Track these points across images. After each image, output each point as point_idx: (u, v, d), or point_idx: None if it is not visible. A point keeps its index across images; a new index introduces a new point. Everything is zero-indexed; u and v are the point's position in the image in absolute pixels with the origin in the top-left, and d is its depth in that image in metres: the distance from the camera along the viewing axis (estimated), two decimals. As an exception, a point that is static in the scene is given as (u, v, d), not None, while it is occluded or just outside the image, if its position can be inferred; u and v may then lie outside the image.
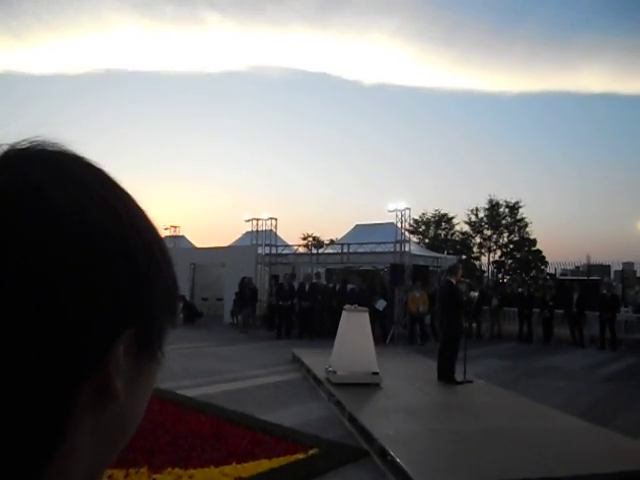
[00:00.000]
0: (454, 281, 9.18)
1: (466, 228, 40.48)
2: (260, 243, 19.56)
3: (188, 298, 20.05)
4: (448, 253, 29.34)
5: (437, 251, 26.90)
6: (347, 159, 66.51)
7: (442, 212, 40.92)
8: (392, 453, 5.09)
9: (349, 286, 16.20)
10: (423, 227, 41.19)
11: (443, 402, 7.85)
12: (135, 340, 0.42)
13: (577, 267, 31.64)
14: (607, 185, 57.33)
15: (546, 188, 57.76)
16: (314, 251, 21.82)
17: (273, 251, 19.70)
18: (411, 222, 24.89)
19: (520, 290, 18.71)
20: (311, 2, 55.31)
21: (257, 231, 19.82)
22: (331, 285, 17.04)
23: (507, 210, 39.10)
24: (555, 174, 58.79)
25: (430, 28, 59.46)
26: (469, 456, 5.27)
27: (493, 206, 39.25)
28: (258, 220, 19.88)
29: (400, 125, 66.30)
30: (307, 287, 16.35)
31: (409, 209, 17.07)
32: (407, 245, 17.13)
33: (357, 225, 20.78)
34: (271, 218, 19.87)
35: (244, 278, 17.70)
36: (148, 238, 0.44)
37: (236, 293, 18.26)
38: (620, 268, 27.67)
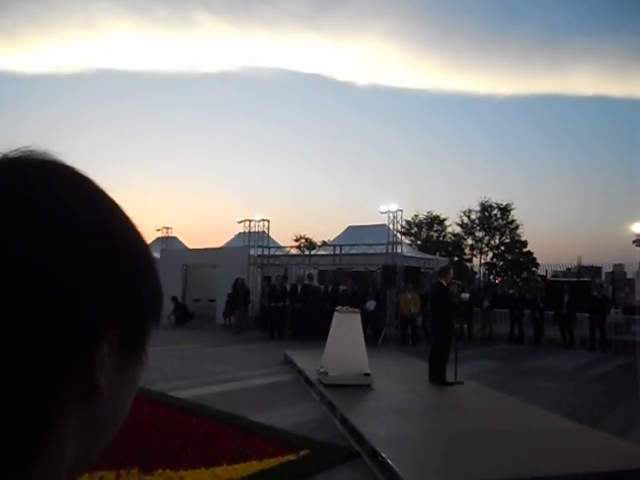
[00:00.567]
0: (445, 283, 9.22)
1: (458, 230, 40.67)
2: (252, 244, 19.55)
3: (180, 299, 20.02)
4: (440, 255, 29.42)
5: (429, 253, 26.98)
6: (340, 160, 66.54)
7: (434, 214, 41.07)
8: (383, 454, 5.11)
9: (341, 287, 16.23)
10: (415, 229, 41.30)
11: (434, 403, 7.89)
12: (119, 340, 0.43)
13: (568, 269, 31.81)
14: (599, 187, 57.64)
15: (538, 190, 58.05)
16: (306, 252, 21.82)
17: (265, 252, 19.69)
18: (403, 224, 25.00)
19: (511, 291, 18.79)
20: (304, 4, 55.27)
21: (249, 232, 19.81)
22: (323, 286, 17.06)
23: (499, 212, 39.30)
24: (546, 176, 59.09)
25: (422, 30, 59.66)
26: (460, 457, 5.30)
27: (485, 208, 39.44)
28: (250, 221, 19.88)
29: (392, 126, 66.44)
30: (299, 288, 16.36)
31: (401, 211, 17.15)
32: (399, 247, 17.18)
33: (349, 227, 20.83)
34: (263, 220, 19.88)
35: (238, 279, 17.68)
36: (132, 242, 0.45)
37: (229, 294, 18.24)
38: (611, 270, 27.81)
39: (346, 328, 8.71)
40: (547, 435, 6.08)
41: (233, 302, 17.70)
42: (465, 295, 12.28)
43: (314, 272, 19.64)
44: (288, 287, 16.69)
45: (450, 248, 38.85)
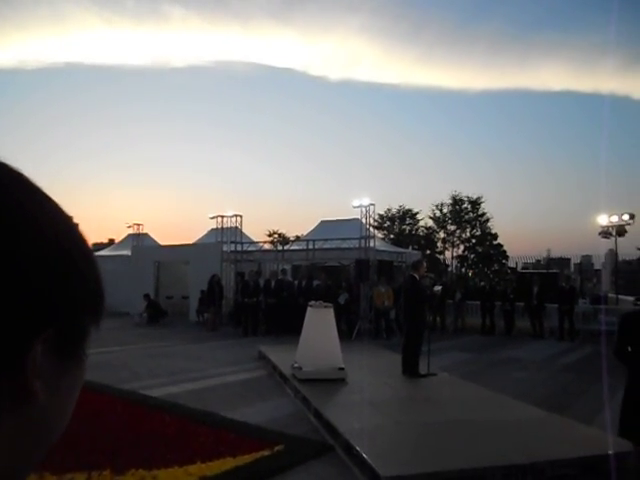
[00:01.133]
0: (418, 276, 9.31)
1: (430, 223, 41.04)
2: (225, 240, 19.41)
3: (152, 297, 19.77)
4: (412, 248, 29.68)
5: (402, 246, 27.18)
6: (312, 155, 66.52)
7: (407, 208, 41.37)
8: (357, 447, 5.15)
9: (315, 282, 16.25)
10: (388, 223, 41.55)
11: (408, 395, 7.96)
12: (55, 341, 0.42)
13: (538, 260, 32.45)
14: (566, 180, 58.91)
15: (507, 184, 59.01)
16: (280, 248, 21.77)
17: (238, 248, 19.58)
18: (376, 218, 25.15)
19: (482, 284, 19.07)
20: (275, -3, 54.99)
21: (222, 228, 19.66)
22: (297, 281, 17.05)
23: (469, 205, 39.78)
24: (516, 170, 60.09)
25: (395, 25, 59.90)
26: (433, 448, 5.36)
27: (456, 202, 39.87)
28: (223, 217, 19.72)
29: (365, 121, 66.66)
30: (273, 284, 16.33)
31: (374, 205, 17.21)
32: (372, 241, 17.26)
33: (322, 221, 20.83)
34: (236, 215, 19.73)
35: (214, 275, 17.55)
36: (66, 239, 0.44)
37: (202, 291, 18.09)
38: (579, 261, 28.45)
39: (319, 323, 8.73)
40: (518, 424, 6.20)
41: (208, 298, 17.56)
42: (437, 288, 12.42)
43: (288, 267, 19.62)
44: (262, 283, 16.64)
45: (422, 241, 39.22)
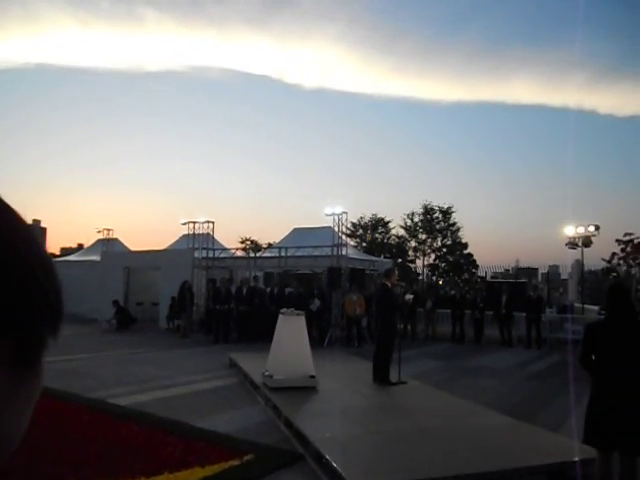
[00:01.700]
0: (389, 284, 9.37)
1: (402, 232, 41.35)
2: (197, 246, 19.22)
3: (122, 303, 19.46)
4: (384, 257, 29.88)
5: (374, 254, 27.33)
6: (286, 162, 66.56)
7: (379, 216, 41.62)
8: (327, 456, 5.13)
9: (287, 290, 16.21)
10: (360, 231, 41.72)
11: (378, 403, 7.98)
12: (11, 351, 0.41)
13: (506, 270, 32.98)
14: (535, 192, 60.20)
15: (478, 194, 59.97)
16: (252, 255, 21.66)
17: (210, 255, 19.41)
18: (348, 226, 25.27)
19: (453, 292, 19.27)
20: (253, 3, 55.04)
21: (194, 234, 19.47)
22: (269, 289, 16.98)
23: (440, 215, 40.24)
24: (486, 181, 61.16)
25: (371, 35, 60.60)
26: (403, 456, 5.38)
27: (428, 211, 40.30)
28: (195, 223, 19.53)
29: (339, 130, 67.06)
30: (245, 291, 16.23)
31: (346, 213, 17.28)
32: (344, 249, 17.31)
33: (295, 229, 20.81)
34: (208, 221, 19.57)
35: (185, 282, 17.36)
36: (24, 251, 0.43)
37: (172, 298, 17.88)
38: (546, 271, 29.00)
39: (291, 330, 8.70)
40: (486, 431, 6.27)
41: (179, 305, 17.36)
42: (409, 296, 12.53)
43: (260, 274, 19.53)
44: (233, 290, 16.53)
45: (394, 250, 39.48)
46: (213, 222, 19.61)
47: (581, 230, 21.19)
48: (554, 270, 29.50)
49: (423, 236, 40.70)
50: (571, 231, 21.61)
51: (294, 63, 64.54)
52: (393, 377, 8.86)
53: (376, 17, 57.98)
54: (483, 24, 58.86)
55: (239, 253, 21.98)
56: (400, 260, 37.50)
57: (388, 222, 41.62)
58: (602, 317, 5.93)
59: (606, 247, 29.53)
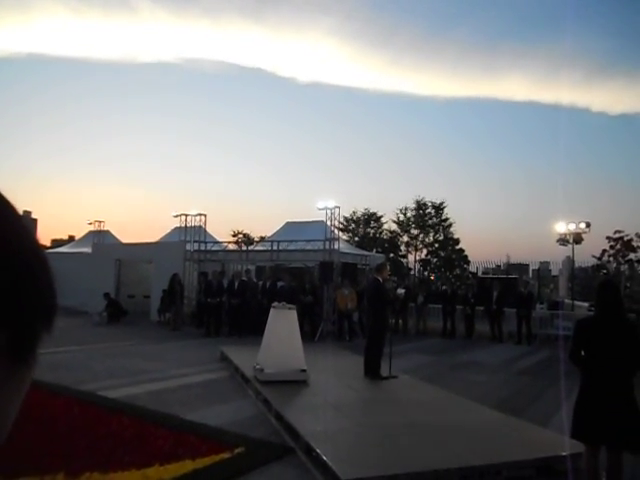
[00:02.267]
0: (381, 279, 9.39)
1: (394, 227, 41.40)
2: (189, 239, 19.17)
3: (113, 295, 19.39)
4: (376, 251, 29.92)
5: (366, 249, 27.36)
6: (279, 156, 66.40)
7: (371, 211, 41.64)
8: (317, 449, 5.15)
9: (279, 283, 16.21)
10: (353, 225, 41.73)
11: (369, 397, 8.02)
12: (6, 344, 0.42)
13: (498, 266, 33.09)
14: (527, 189, 60.44)
15: (470, 190, 60.12)
16: (244, 248, 21.63)
17: (202, 247, 19.37)
18: (341, 220, 25.28)
19: (444, 288, 19.35)
20: (247, -5, 54.64)
21: (186, 227, 19.41)
22: (261, 282, 16.97)
23: (433, 210, 40.31)
24: (479, 177, 61.32)
25: (366, 29, 60.47)
26: (393, 450, 5.41)
27: (420, 206, 40.35)
28: (187, 216, 19.46)
29: (333, 124, 66.94)
30: (236, 284, 16.22)
31: (339, 207, 17.28)
32: (336, 243, 17.32)
33: (287, 223, 20.79)
34: (200, 214, 19.51)
35: (175, 275, 17.32)
36: (19, 245, 0.43)
37: (164, 290, 17.83)
38: (537, 267, 29.17)
39: (282, 324, 8.71)
40: (475, 426, 6.31)
41: (169, 298, 17.33)
42: (401, 291, 12.57)
43: (252, 268, 19.50)
44: (225, 283, 16.50)
45: (386, 245, 39.52)
46: (205, 215, 19.57)
47: (572, 227, 21.32)
48: (545, 266, 29.69)
49: (415, 231, 40.77)
50: (562, 228, 21.74)
51: (288, 56, 64.25)
52: (384, 371, 8.90)
53: (371, 11, 57.88)
54: (478, 20, 58.95)
55: (231, 246, 21.94)
56: (392, 255, 37.56)
57: (380, 217, 41.66)
58: (592, 313, 5.98)
59: (596, 244, 29.79)
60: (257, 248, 20.76)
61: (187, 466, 4.87)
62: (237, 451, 5.33)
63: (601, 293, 4.50)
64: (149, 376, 9.24)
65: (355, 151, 64.77)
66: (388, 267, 10.33)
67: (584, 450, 4.52)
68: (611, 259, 30.14)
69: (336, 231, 18.23)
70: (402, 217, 40.83)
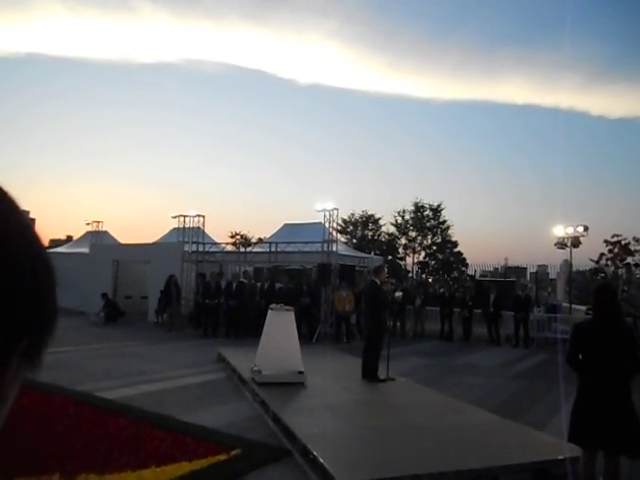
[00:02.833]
0: (379, 281, 9.38)
1: (392, 229, 41.37)
2: (187, 240, 19.14)
3: (111, 296, 19.35)
4: (374, 253, 29.92)
5: (364, 251, 27.35)
6: (277, 157, 66.37)
7: (370, 213, 41.63)
8: (314, 451, 5.14)
9: (277, 285, 16.19)
10: (351, 227, 41.70)
11: (367, 400, 8.00)
12: (19, 350, 0.43)
13: (495, 269, 33.09)
14: (526, 192, 60.44)
15: (468, 192, 60.13)
16: (242, 249, 21.61)
17: (200, 249, 19.34)
18: (339, 222, 25.24)
19: (442, 290, 19.33)
20: (248, -4, 54.62)
21: (184, 228, 19.38)
22: (259, 284, 16.96)
23: (431, 213, 40.30)
24: (477, 179, 61.33)
25: (366, 32, 60.45)
26: (390, 452, 5.40)
27: (418, 209, 40.35)
28: (185, 217, 19.43)
29: (332, 126, 66.96)
30: (234, 286, 16.20)
31: (337, 209, 17.26)
32: (334, 245, 17.30)
33: (286, 224, 20.78)
34: (199, 215, 19.48)
35: (171, 276, 17.30)
36: (32, 255, 0.44)
37: (161, 291, 17.80)
38: (535, 270, 29.15)
39: (280, 326, 8.70)
40: (473, 429, 6.31)
41: (165, 299, 17.30)
42: (398, 294, 12.55)
43: (250, 269, 19.48)
44: (223, 284, 16.49)
45: (384, 247, 39.48)
46: (204, 216, 19.54)
47: (570, 230, 21.32)
48: (542, 270, 29.67)
49: (413, 234, 40.75)
50: (560, 231, 21.74)
51: (289, 58, 64.22)
52: (381, 374, 8.89)
53: (372, 14, 57.90)
54: (478, 24, 59.05)
55: (229, 247, 21.92)
56: (390, 257, 37.56)
57: (379, 219, 41.63)
58: (589, 317, 5.99)
59: (594, 248, 29.78)
60: (255, 249, 20.73)
61: (183, 468, 4.85)
62: (234, 453, 5.32)
63: (598, 297, 4.50)
64: (146, 377, 9.22)
65: (354, 153, 64.82)
66: (386, 269, 10.32)
67: (581, 454, 4.51)
68: (609, 263, 30.16)
69: (334, 233, 18.22)
70: (400, 219, 40.80)
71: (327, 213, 17.09)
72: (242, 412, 7.21)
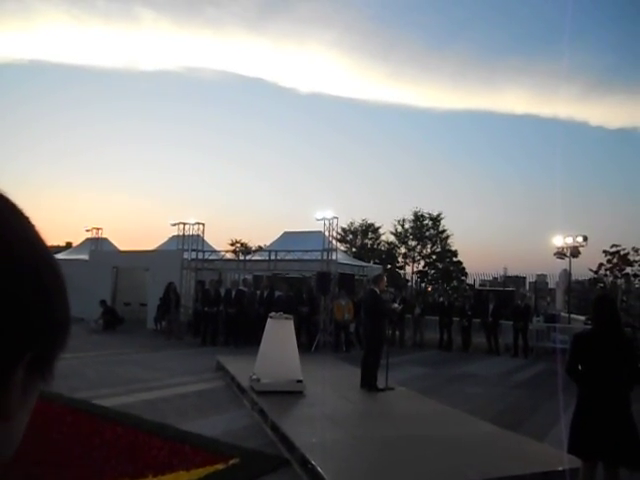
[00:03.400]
0: (378, 290, 9.38)
1: (392, 238, 41.43)
2: (186, 248, 19.13)
3: (110, 303, 19.32)
4: (374, 262, 29.94)
5: (363, 260, 27.35)
6: (278, 166, 66.44)
7: (369, 222, 41.70)
8: (312, 461, 5.11)
9: (276, 293, 16.17)
10: (350, 236, 41.77)
11: (365, 409, 7.98)
12: (29, 364, 0.42)
13: (495, 278, 33.11)
14: (525, 202, 60.37)
15: (468, 202, 60.12)
16: (242, 257, 21.61)
17: (200, 256, 19.33)
18: (339, 231, 25.29)
19: (441, 299, 19.32)
20: (251, 7, 54.80)
21: (184, 235, 19.38)
22: (258, 292, 16.94)
23: (430, 222, 40.38)
24: (477, 189, 61.32)
25: (367, 42, 60.53)
26: (389, 463, 5.38)
27: (418, 218, 40.43)
28: (185, 224, 19.43)
29: (333, 135, 67.02)
30: (233, 293, 16.17)
31: (337, 218, 17.27)
32: (334, 254, 17.30)
33: (285, 232, 20.79)
34: (198, 223, 19.48)
35: (170, 283, 17.29)
36: (44, 263, 0.44)
37: (160, 299, 17.78)
38: (534, 280, 29.15)
39: (279, 334, 8.68)
40: (472, 439, 6.29)
41: (164, 307, 17.27)
42: (396, 305, 12.55)
43: (249, 277, 19.47)
44: (222, 292, 16.47)
45: (384, 256, 39.54)
46: (203, 224, 19.54)
47: (569, 240, 21.32)
48: (542, 279, 29.65)
49: (413, 243, 40.82)
50: (559, 241, 21.74)
51: (289, 67, 64.38)
52: (380, 383, 8.86)
53: (372, 24, 58.11)
54: (477, 34, 59.29)
55: (229, 255, 21.93)
56: (389, 266, 37.58)
57: (378, 228, 41.73)
58: (589, 327, 5.98)
59: (593, 258, 29.75)
60: (255, 258, 20.73)
61: (181, 477, 4.83)
62: (232, 462, 5.29)
63: (598, 307, 4.50)
64: (144, 385, 9.19)
65: (354, 162, 64.87)
66: (385, 278, 10.31)
67: (581, 465, 4.49)
68: (608, 273, 30.18)
69: (334, 242, 18.24)
70: (400, 228, 40.90)
71: (327, 222, 17.11)
72: (241, 421, 7.18)
